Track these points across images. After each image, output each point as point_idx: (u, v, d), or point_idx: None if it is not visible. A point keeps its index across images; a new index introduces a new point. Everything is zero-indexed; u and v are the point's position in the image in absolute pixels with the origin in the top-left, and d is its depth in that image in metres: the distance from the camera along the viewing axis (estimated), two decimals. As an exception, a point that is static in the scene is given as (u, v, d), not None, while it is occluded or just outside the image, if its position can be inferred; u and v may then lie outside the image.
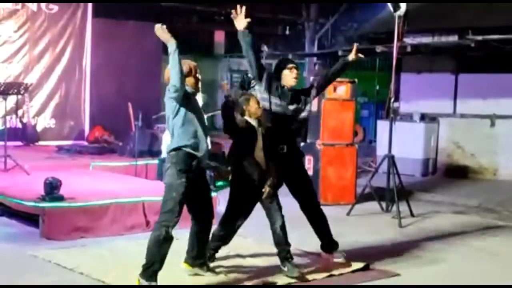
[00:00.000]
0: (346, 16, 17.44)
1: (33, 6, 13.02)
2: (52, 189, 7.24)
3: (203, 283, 5.65)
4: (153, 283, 5.26)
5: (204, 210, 5.68)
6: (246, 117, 5.86)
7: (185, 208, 5.50)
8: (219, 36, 21.99)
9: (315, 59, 16.52)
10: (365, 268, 6.28)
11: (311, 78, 11.84)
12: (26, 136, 12.61)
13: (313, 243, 7.20)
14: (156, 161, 10.24)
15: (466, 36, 11.70)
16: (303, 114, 6.30)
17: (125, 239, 7.17)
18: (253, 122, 5.88)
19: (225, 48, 22.09)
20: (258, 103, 5.89)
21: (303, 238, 6.83)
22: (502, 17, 11.77)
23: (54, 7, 13.28)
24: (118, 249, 6.68)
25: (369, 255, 6.84)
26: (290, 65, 6.28)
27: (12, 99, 11.70)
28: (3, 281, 5.57)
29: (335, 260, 6.47)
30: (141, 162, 10.33)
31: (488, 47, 11.26)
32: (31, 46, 13.09)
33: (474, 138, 13.01)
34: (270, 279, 5.78)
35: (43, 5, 13.13)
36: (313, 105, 10.35)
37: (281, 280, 5.77)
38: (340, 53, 13.43)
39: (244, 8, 5.89)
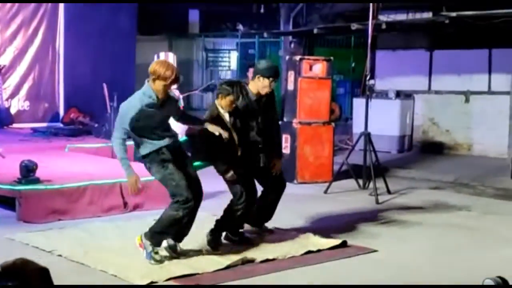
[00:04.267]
0: (321, -6, 17.38)
1: (4, -13, 12.83)
2: (28, 171, 7.18)
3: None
4: (156, 248, 5.58)
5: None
6: (218, 106, 6.01)
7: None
8: (194, 15, 21.83)
9: (290, 37, 16.47)
10: (343, 245, 6.33)
11: (287, 57, 11.80)
12: (0, 119, 12.47)
13: (289, 221, 7.26)
14: (132, 142, 10.18)
15: (440, 12, 11.73)
16: None
17: (103, 220, 7.15)
18: (223, 112, 6.01)
19: (200, 27, 21.95)
20: (232, 101, 5.96)
21: (278, 216, 6.86)
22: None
23: (26, -12, 13.10)
24: (96, 230, 6.66)
25: (347, 232, 6.90)
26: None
27: (-16, 82, 11.55)
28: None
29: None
30: (117, 143, 10.25)
31: (462, 23, 11.31)
32: (3, 27, 12.90)
33: (449, 114, 13.12)
34: (249, 255, 5.80)
35: (14, -15, 12.94)
36: (289, 84, 10.39)
37: (259, 256, 5.80)
38: (315, 31, 13.42)
39: None
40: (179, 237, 5.74)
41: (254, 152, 6.25)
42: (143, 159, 5.64)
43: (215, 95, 6.19)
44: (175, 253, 5.72)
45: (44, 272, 2.20)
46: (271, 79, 6.27)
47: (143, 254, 5.61)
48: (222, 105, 5.99)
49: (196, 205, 5.66)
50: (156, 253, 5.61)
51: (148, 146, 5.55)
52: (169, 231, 5.59)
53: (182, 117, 5.99)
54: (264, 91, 6.30)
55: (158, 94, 5.46)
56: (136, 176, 5.53)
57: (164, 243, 5.71)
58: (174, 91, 9.86)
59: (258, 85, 6.29)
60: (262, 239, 6.45)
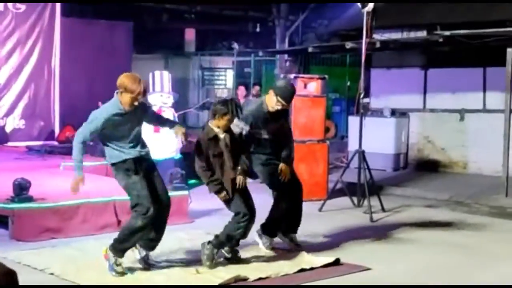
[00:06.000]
0: (316, 13, 17.53)
1: (-1, 6, 12.87)
2: (21, 190, 7.17)
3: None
4: (119, 259, 5.67)
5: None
6: (213, 126, 5.97)
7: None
8: (190, 34, 21.95)
9: (286, 56, 16.56)
10: (336, 263, 6.31)
11: (281, 75, 11.86)
12: (-5, 137, 12.47)
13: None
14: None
15: (434, 31, 11.81)
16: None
17: (96, 239, 7.12)
18: (218, 131, 5.98)
19: (196, 45, 22.07)
20: (229, 120, 5.93)
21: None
22: (469, 12, 11.90)
23: (22, 6, 13.12)
24: (89, 249, 6.63)
25: (341, 250, 6.89)
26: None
27: (-21, 100, 11.55)
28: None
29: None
30: (112, 161, 10.24)
31: (456, 42, 11.38)
32: (-1, 46, 12.94)
33: (444, 132, 13.15)
34: (242, 274, 5.78)
35: (10, 4, 12.96)
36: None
37: (252, 275, 5.78)
38: (310, 49, 13.49)
39: None
40: (148, 247, 5.86)
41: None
42: (111, 166, 5.86)
43: (210, 116, 6.10)
44: (147, 264, 5.87)
45: (11, 275, 2.19)
46: (279, 99, 6.42)
47: (106, 266, 5.69)
48: (219, 125, 5.95)
49: (163, 215, 5.79)
50: (118, 265, 5.67)
51: (115, 156, 5.73)
52: (129, 239, 5.68)
53: (155, 120, 6.19)
54: (272, 108, 6.48)
55: (125, 106, 5.64)
56: (82, 177, 5.83)
57: (137, 255, 5.87)
58: (169, 109, 9.90)
59: (270, 100, 6.47)
60: (259, 258, 6.42)
